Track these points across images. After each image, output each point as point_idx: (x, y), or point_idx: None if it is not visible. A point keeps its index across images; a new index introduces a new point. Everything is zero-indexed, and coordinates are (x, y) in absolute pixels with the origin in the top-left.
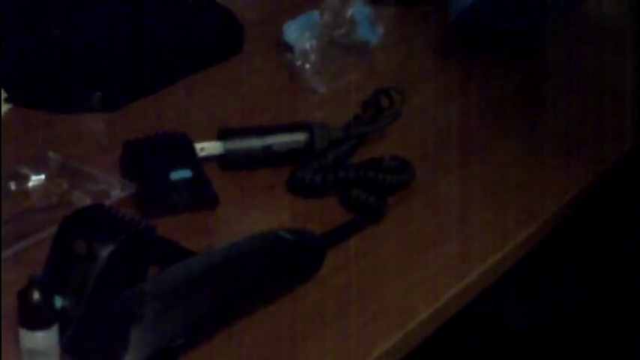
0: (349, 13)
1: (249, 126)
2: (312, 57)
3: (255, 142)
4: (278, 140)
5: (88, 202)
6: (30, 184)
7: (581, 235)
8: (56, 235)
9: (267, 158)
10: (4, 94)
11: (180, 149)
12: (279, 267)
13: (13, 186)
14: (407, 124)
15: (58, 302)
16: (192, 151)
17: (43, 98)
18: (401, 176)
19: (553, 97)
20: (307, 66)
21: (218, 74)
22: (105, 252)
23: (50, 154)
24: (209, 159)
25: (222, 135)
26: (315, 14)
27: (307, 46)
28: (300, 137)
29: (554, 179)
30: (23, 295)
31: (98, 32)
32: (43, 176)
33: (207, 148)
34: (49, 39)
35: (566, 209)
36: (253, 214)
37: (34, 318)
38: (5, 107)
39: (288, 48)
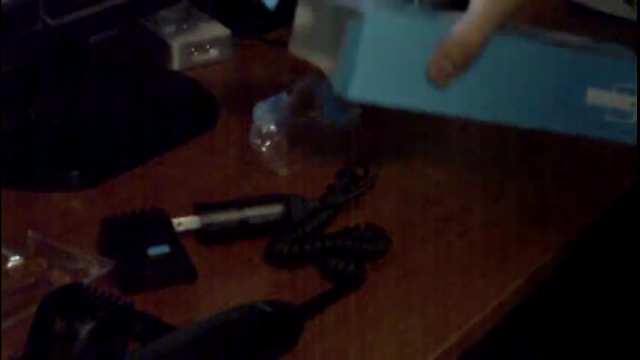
0: (318, 94)
1: (226, 200)
2: (277, 139)
3: (231, 216)
4: (255, 213)
5: (67, 280)
6: (9, 264)
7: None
8: (36, 315)
9: (244, 231)
10: None
11: (158, 225)
12: (257, 339)
13: None
14: (381, 193)
15: None
16: (170, 226)
17: (20, 178)
18: (377, 244)
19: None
20: (269, 149)
21: (193, 149)
22: (84, 330)
23: (29, 233)
24: (187, 233)
25: (199, 210)
26: (283, 96)
27: (273, 128)
28: (276, 209)
29: (532, 242)
30: None
31: (74, 112)
32: (22, 256)
33: (185, 223)
34: (25, 120)
35: (543, 273)
36: (232, 287)
37: None
38: None
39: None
